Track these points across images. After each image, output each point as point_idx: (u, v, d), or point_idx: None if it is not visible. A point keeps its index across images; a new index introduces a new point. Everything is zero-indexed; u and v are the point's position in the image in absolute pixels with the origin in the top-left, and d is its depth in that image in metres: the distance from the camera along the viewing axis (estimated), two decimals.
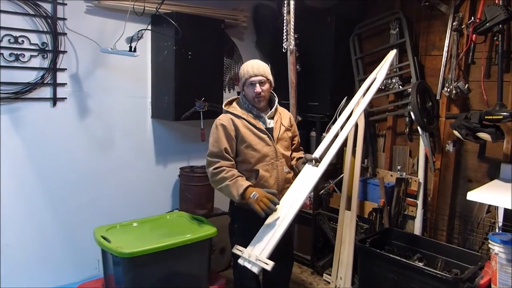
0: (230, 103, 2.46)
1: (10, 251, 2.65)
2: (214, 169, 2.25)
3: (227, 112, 2.37)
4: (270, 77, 2.40)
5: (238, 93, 3.01)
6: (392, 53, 2.87)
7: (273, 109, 2.43)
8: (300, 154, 2.56)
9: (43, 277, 2.80)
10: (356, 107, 2.61)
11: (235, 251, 2.11)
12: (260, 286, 2.61)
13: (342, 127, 2.48)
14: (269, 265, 1.89)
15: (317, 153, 2.39)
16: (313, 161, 2.31)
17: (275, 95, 2.48)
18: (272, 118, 2.43)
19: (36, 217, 2.75)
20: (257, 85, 2.31)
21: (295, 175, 2.43)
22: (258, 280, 2.59)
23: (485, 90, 2.73)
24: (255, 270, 1.94)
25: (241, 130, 2.31)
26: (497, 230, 2.65)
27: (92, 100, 2.93)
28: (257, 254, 1.96)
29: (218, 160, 2.26)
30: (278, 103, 2.49)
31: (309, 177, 2.26)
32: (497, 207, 2.67)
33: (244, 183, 2.20)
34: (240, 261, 2.03)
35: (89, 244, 2.58)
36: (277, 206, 2.14)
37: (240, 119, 2.33)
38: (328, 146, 2.41)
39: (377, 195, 3.23)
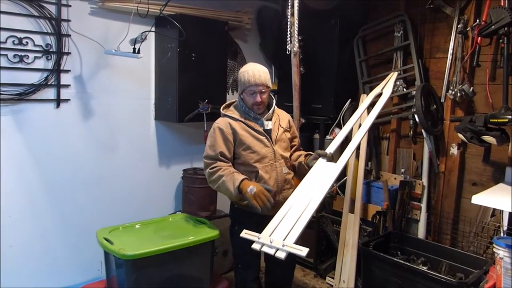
0: (228, 106, 2.46)
1: (13, 252, 2.65)
2: (210, 169, 2.26)
3: (225, 115, 2.37)
4: (270, 84, 2.38)
5: None
6: (395, 75, 2.95)
7: (270, 111, 2.41)
8: (303, 153, 2.53)
9: (45, 278, 2.80)
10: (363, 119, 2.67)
11: (244, 235, 1.91)
12: None
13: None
14: (304, 251, 1.72)
15: (328, 151, 2.33)
16: (328, 155, 2.23)
17: (273, 97, 2.46)
18: (270, 119, 2.41)
19: (39, 218, 2.75)
20: (258, 94, 2.29)
21: (298, 174, 2.41)
22: (260, 283, 2.58)
23: (490, 93, 2.71)
24: (281, 255, 1.78)
25: (239, 133, 2.30)
26: (502, 234, 2.64)
27: (95, 102, 2.94)
28: (281, 239, 1.82)
29: (215, 161, 2.27)
30: (279, 105, 2.48)
31: (326, 172, 2.17)
32: (502, 211, 2.66)
33: (239, 176, 2.19)
34: (255, 246, 1.86)
35: (92, 245, 2.59)
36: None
37: (238, 121, 2.33)
38: (339, 146, 2.39)
39: (381, 198, 3.22)
